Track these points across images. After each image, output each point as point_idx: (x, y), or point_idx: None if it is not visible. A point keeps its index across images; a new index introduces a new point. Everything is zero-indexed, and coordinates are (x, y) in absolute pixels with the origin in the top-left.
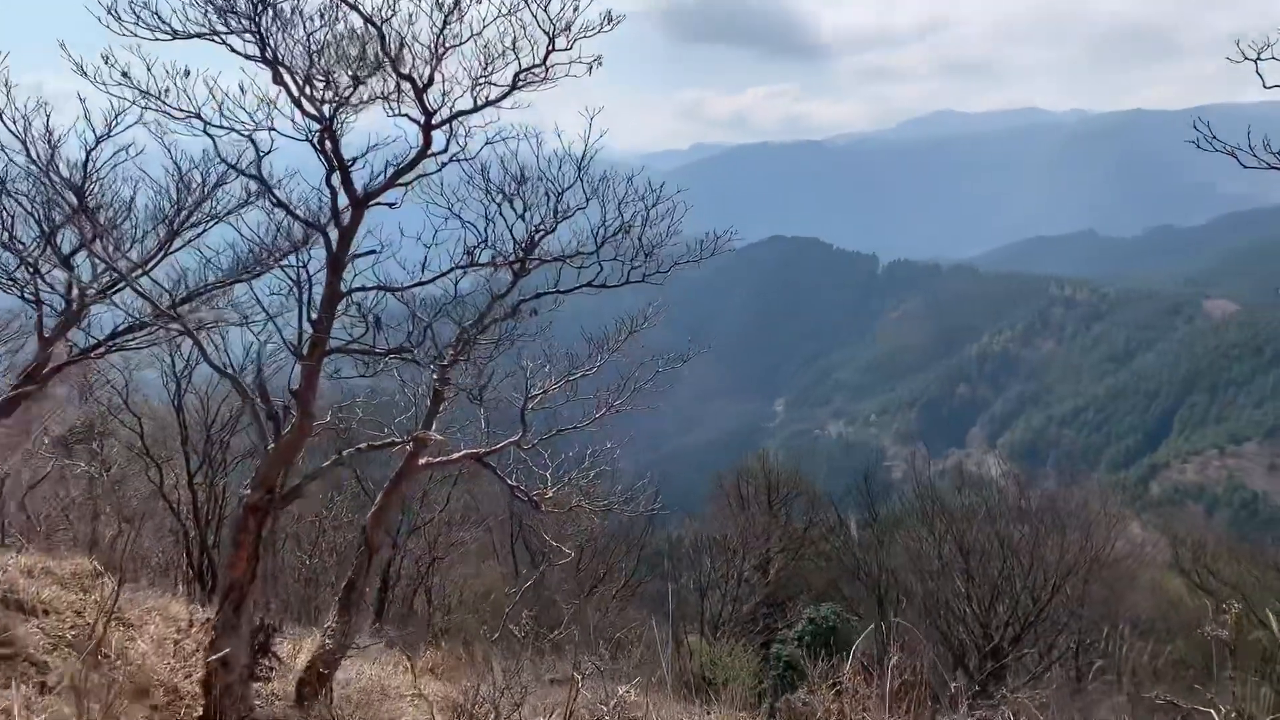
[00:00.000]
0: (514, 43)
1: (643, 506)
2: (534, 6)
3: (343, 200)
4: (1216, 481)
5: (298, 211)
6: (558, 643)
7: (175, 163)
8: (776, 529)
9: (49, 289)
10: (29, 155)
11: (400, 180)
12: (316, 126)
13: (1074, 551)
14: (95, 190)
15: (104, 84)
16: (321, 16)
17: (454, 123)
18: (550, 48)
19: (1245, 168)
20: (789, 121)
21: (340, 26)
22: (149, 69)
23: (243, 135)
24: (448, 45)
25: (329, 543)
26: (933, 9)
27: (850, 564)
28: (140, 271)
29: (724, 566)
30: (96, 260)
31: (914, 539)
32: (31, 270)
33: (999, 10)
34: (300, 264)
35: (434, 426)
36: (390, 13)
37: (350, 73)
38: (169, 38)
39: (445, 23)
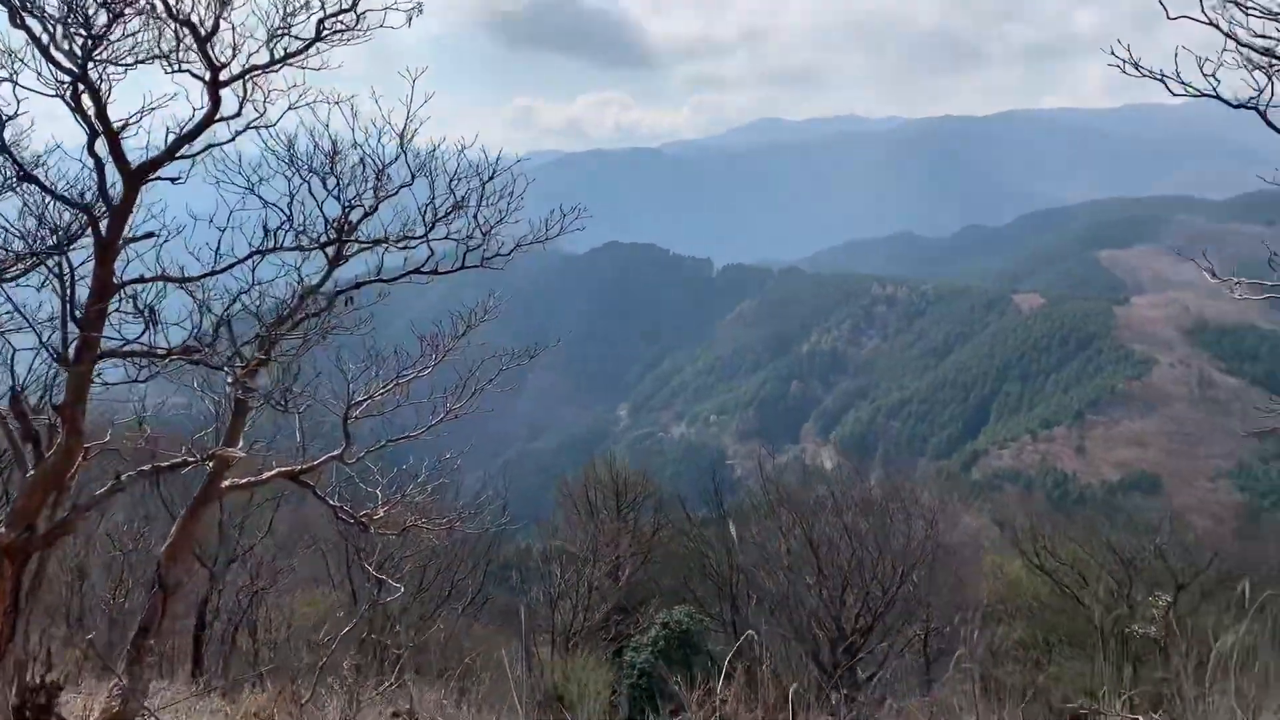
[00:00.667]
0: None
1: (488, 522)
2: None
3: (113, 175)
4: (1031, 465)
5: (59, 190)
6: (400, 671)
7: None
8: (626, 534)
9: None
10: None
11: (183, 150)
12: (67, 79)
13: (919, 539)
14: None
15: None
16: None
17: (248, 81)
18: None
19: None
20: (622, 129)
21: None
22: None
23: None
24: None
25: (139, 578)
26: (754, 19)
27: (699, 564)
28: None
29: (574, 575)
30: None
31: (762, 533)
32: None
33: (818, 20)
34: (61, 251)
35: (239, 442)
36: None
37: (103, 2)
38: None
39: None
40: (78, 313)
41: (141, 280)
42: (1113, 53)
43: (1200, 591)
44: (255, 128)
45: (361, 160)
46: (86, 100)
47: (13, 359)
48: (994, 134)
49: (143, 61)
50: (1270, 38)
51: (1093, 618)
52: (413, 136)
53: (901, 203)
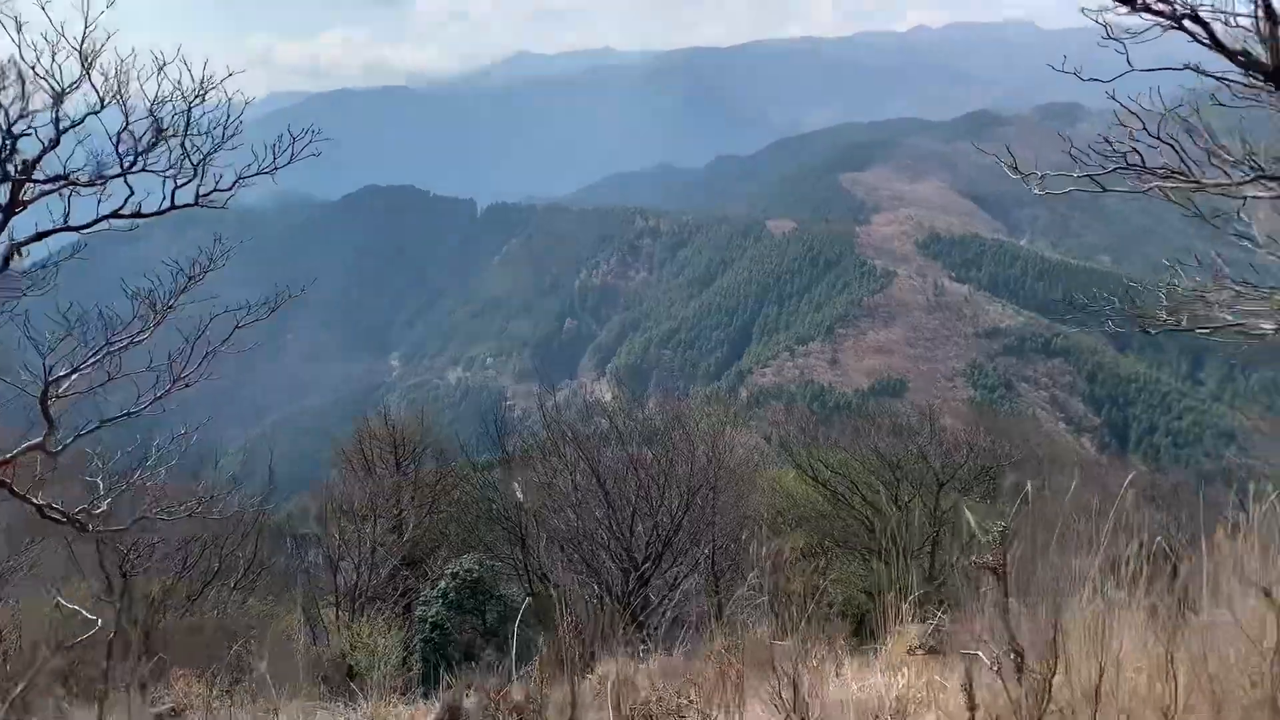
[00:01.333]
0: None
1: (245, 500)
2: None
3: None
4: (792, 380)
5: None
6: (161, 665)
7: None
8: (408, 487)
9: None
10: None
11: None
12: None
13: (701, 464)
14: None
15: None
16: None
17: None
18: None
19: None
20: (370, 67)
21: None
22: None
23: None
24: None
25: None
26: None
27: (486, 509)
28: None
29: (354, 534)
30: None
31: (548, 471)
32: None
33: None
34: None
35: None
36: None
37: None
38: None
39: None
40: None
41: None
42: None
43: (959, 487)
44: None
45: (33, 85)
46: None
47: None
48: (739, 64)
49: None
50: None
51: (866, 520)
52: (96, 53)
53: (658, 135)
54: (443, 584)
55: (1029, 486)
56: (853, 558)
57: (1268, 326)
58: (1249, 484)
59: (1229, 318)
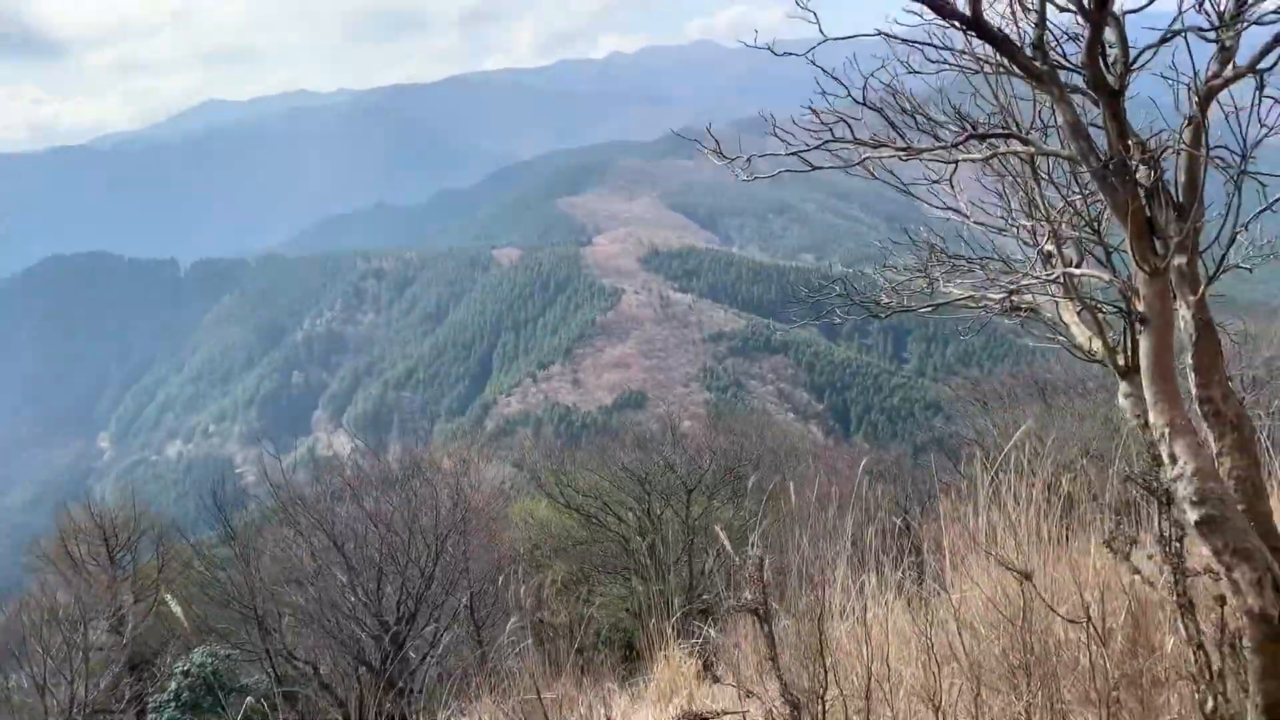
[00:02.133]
0: None
1: None
2: None
3: None
4: (537, 405)
5: None
6: None
7: None
8: (125, 581)
9: None
10: None
11: None
12: None
13: (447, 508)
14: None
15: None
16: None
17: None
18: None
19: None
20: (37, 127)
21: None
22: None
23: None
24: None
25: None
26: None
27: (217, 593)
28: None
29: (63, 647)
30: None
31: (280, 542)
32: None
33: None
34: None
35: None
36: None
37: None
38: None
39: None
40: None
41: None
42: None
43: (707, 491)
44: None
45: None
46: None
47: None
48: (445, 99)
49: None
50: None
51: (622, 539)
52: None
53: (370, 175)
54: (173, 684)
55: (773, 484)
56: (615, 580)
57: (995, 296)
58: (959, 449)
59: (955, 292)
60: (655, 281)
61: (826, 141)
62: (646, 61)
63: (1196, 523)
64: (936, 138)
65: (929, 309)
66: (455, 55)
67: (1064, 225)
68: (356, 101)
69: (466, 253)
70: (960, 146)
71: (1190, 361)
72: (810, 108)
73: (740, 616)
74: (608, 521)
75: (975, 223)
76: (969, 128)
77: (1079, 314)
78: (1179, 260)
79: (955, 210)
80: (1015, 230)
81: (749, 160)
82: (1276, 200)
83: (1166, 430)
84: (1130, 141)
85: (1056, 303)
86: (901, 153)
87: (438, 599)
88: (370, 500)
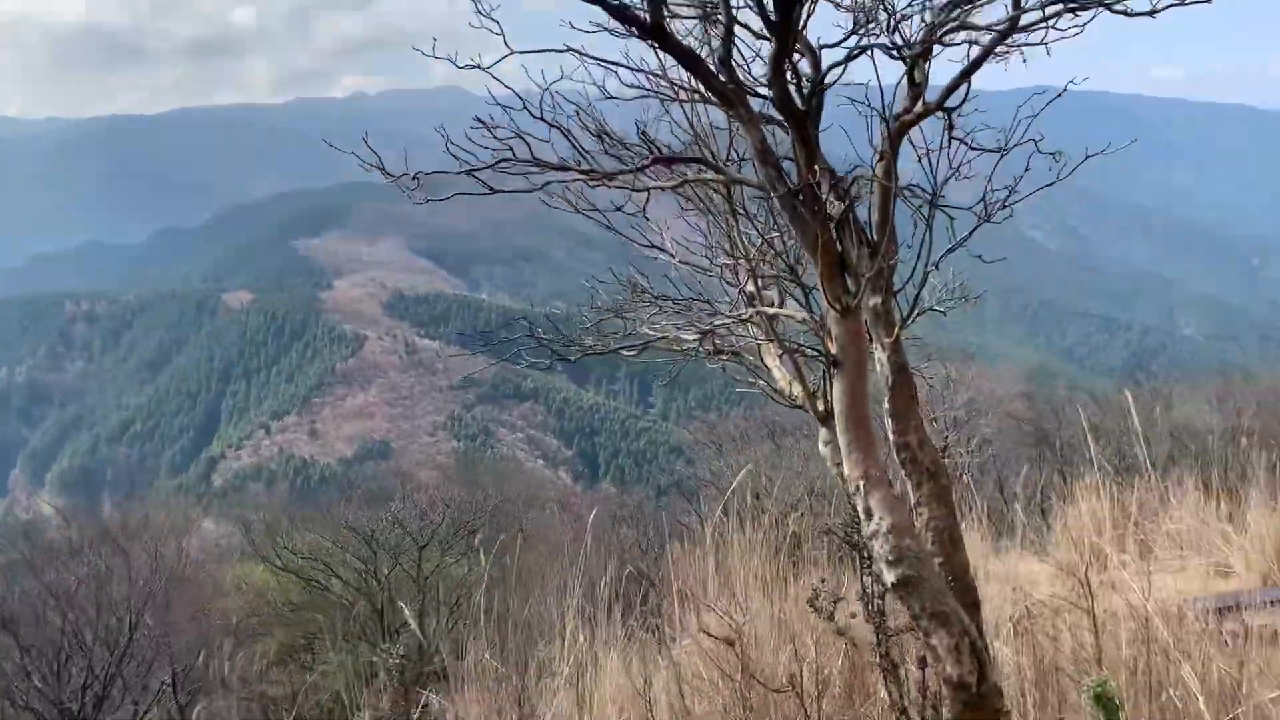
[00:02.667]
0: None
1: None
2: None
3: None
4: (270, 458)
5: None
6: None
7: None
8: None
9: None
10: None
11: None
12: None
13: (145, 576)
14: None
15: None
16: None
17: None
18: None
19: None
20: None
21: None
22: None
23: None
24: None
25: None
26: None
27: None
28: None
29: None
30: None
31: None
32: None
33: None
34: None
35: None
36: None
37: None
38: None
39: None
40: None
41: None
42: None
43: (440, 546)
44: None
45: None
46: None
47: None
48: (170, 132)
49: None
50: None
51: (347, 603)
52: None
53: (83, 210)
54: None
55: (500, 539)
56: (339, 646)
57: (689, 338)
58: (698, 490)
59: (651, 333)
60: (400, 328)
61: (501, 161)
62: (391, 104)
63: (893, 584)
64: (623, 162)
65: (634, 350)
66: (182, 88)
67: (763, 264)
68: (67, 131)
69: (193, 295)
70: (647, 172)
71: (887, 406)
72: (480, 120)
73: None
74: (330, 584)
75: (680, 262)
76: (657, 151)
77: (780, 357)
78: (874, 300)
79: (660, 248)
80: (719, 270)
81: (415, 177)
82: (966, 238)
83: (862, 483)
84: (820, 169)
85: (759, 345)
86: (585, 176)
87: (133, 679)
88: (50, 573)
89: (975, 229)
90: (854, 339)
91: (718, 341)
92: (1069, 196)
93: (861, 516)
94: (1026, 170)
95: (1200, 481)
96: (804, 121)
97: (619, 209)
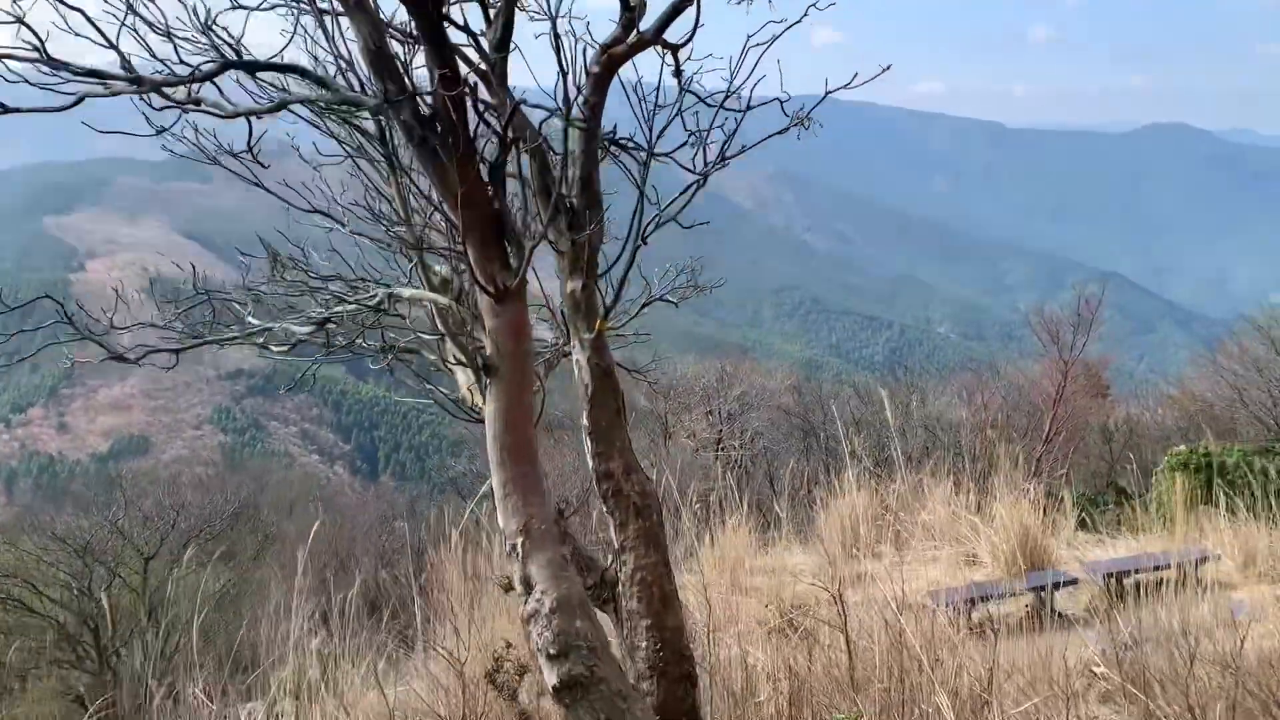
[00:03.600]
0: None
1: None
2: None
3: None
4: (11, 455)
5: None
6: None
7: None
8: None
9: None
10: None
11: None
12: None
13: None
14: None
15: None
16: None
17: None
18: None
19: None
20: None
21: None
22: None
23: None
24: None
25: None
26: None
27: None
28: None
29: None
30: None
31: None
32: None
33: None
34: None
35: None
36: None
37: None
38: None
39: None
40: None
41: None
42: None
43: (172, 555)
44: None
45: None
46: None
47: None
48: None
49: None
50: None
51: (57, 623)
52: None
53: None
54: None
55: (249, 545)
56: (52, 670)
57: (300, 330)
58: (475, 487)
59: (255, 323)
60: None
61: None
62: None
63: (554, 689)
64: (171, 70)
65: (223, 345)
66: None
67: (434, 232)
68: None
69: None
70: (206, 81)
71: (585, 423)
72: None
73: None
74: (36, 604)
75: (352, 232)
76: (228, 56)
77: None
78: (573, 285)
79: (325, 213)
80: (394, 243)
81: None
82: (683, 203)
83: (520, 541)
84: (492, 98)
85: (439, 342)
86: (132, 85)
87: None
88: None
89: (692, 190)
90: (513, 335)
91: (390, 341)
92: (837, 202)
93: (518, 588)
94: (742, 119)
95: (952, 472)
96: (436, 13)
97: (250, 152)
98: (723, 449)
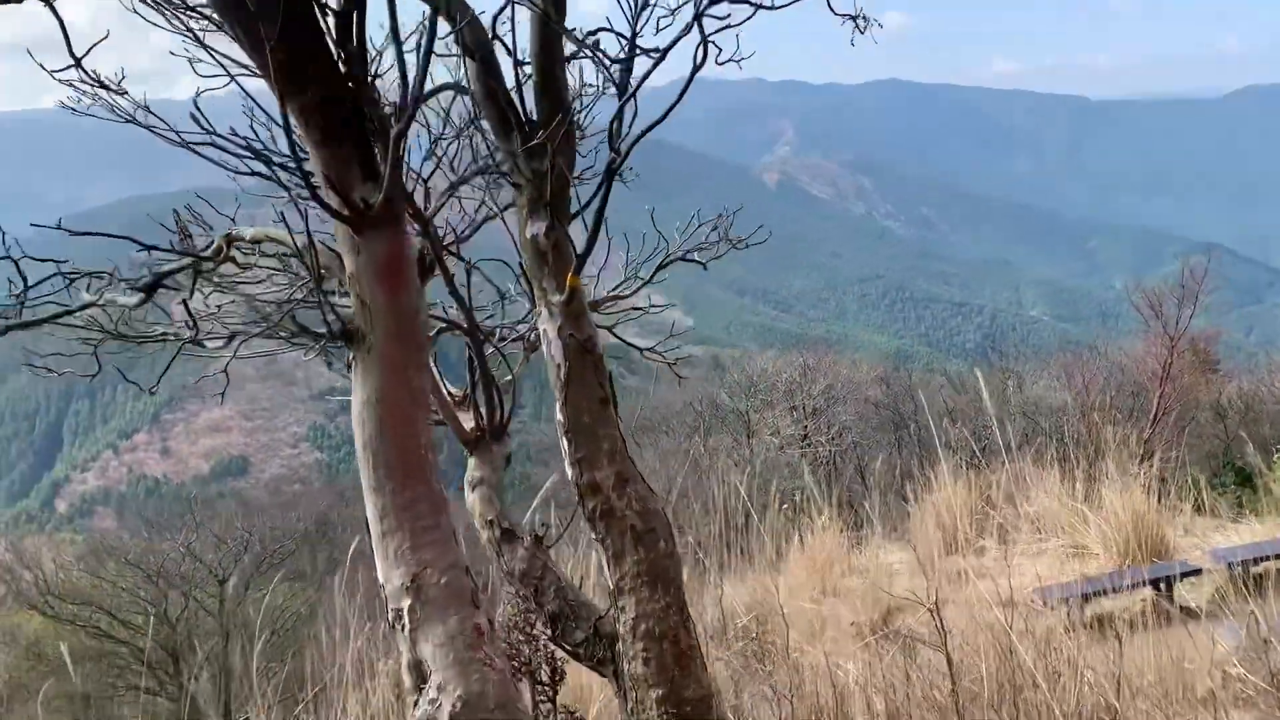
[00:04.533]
0: None
1: None
2: None
3: None
4: (120, 480)
5: None
6: None
7: None
8: None
9: None
10: None
11: None
12: None
13: None
14: None
15: None
16: None
17: None
18: None
19: None
20: None
21: None
22: None
23: None
24: None
25: None
26: None
27: None
28: None
29: None
30: None
31: None
32: None
33: None
34: None
35: None
36: None
37: None
38: None
39: None
40: None
41: None
42: None
43: (244, 580)
44: None
45: None
46: None
47: None
48: None
49: None
50: None
51: (138, 650)
52: None
53: None
54: None
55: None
56: (133, 697)
57: (128, 301)
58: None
59: (89, 297)
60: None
61: None
62: (243, 101)
63: None
64: None
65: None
66: (3, 90)
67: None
68: None
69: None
70: None
71: (559, 418)
72: None
73: None
74: (115, 631)
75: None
76: None
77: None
78: (534, 228)
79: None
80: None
81: None
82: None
83: (408, 606)
84: None
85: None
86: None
87: None
88: None
89: (649, 71)
90: (385, 279)
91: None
92: (919, 187)
93: (405, 677)
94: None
95: (1056, 459)
96: None
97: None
98: (809, 445)
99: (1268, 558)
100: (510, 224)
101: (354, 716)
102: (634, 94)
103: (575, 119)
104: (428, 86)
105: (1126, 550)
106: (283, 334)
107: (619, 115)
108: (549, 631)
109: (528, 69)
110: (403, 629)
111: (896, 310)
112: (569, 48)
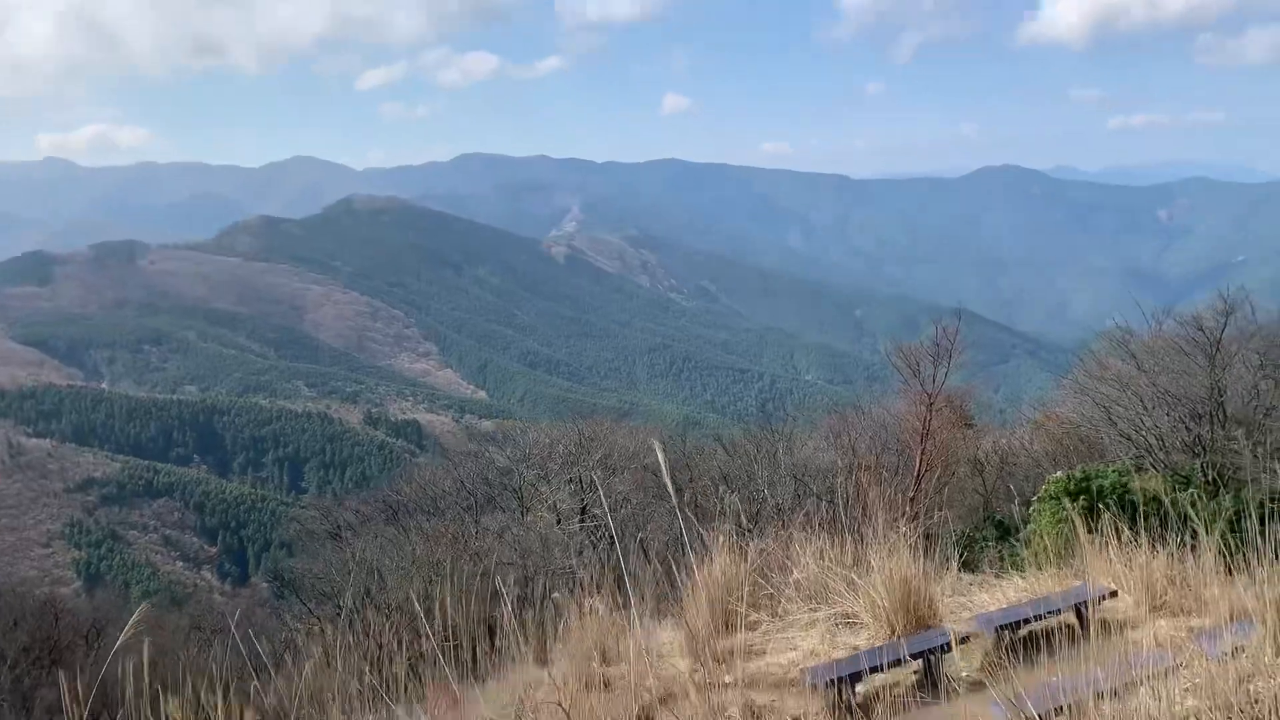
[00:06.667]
0: None
1: None
2: None
3: None
4: None
5: None
6: None
7: None
8: None
9: None
10: None
11: None
12: None
13: None
14: None
15: None
16: None
17: None
18: None
19: None
20: None
21: None
22: None
23: None
24: None
25: None
26: None
27: None
28: None
29: None
30: None
31: None
32: None
33: None
34: None
35: None
36: None
37: None
38: None
39: None
40: None
41: None
42: None
43: None
44: None
45: None
46: None
47: None
48: None
49: None
50: None
51: None
52: None
53: None
54: None
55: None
56: None
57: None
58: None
59: None
60: (2, 427)
61: None
62: None
63: None
64: None
65: None
66: None
67: None
68: None
69: None
70: None
71: None
72: None
73: None
74: None
75: None
76: None
77: None
78: None
79: None
80: None
81: None
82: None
83: None
84: None
85: None
86: None
87: None
88: None
89: None
90: None
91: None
92: (701, 260)
93: None
94: None
95: (824, 522)
96: None
97: None
98: (585, 519)
99: (1032, 619)
100: None
101: None
102: None
103: None
104: None
105: (895, 616)
106: None
107: None
108: None
109: None
110: None
111: (684, 378)
112: None
